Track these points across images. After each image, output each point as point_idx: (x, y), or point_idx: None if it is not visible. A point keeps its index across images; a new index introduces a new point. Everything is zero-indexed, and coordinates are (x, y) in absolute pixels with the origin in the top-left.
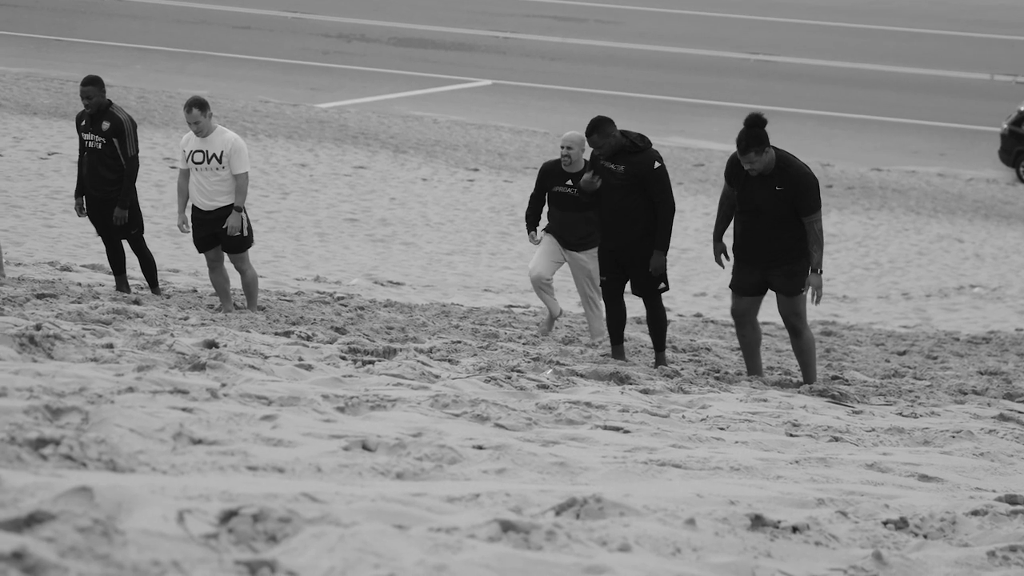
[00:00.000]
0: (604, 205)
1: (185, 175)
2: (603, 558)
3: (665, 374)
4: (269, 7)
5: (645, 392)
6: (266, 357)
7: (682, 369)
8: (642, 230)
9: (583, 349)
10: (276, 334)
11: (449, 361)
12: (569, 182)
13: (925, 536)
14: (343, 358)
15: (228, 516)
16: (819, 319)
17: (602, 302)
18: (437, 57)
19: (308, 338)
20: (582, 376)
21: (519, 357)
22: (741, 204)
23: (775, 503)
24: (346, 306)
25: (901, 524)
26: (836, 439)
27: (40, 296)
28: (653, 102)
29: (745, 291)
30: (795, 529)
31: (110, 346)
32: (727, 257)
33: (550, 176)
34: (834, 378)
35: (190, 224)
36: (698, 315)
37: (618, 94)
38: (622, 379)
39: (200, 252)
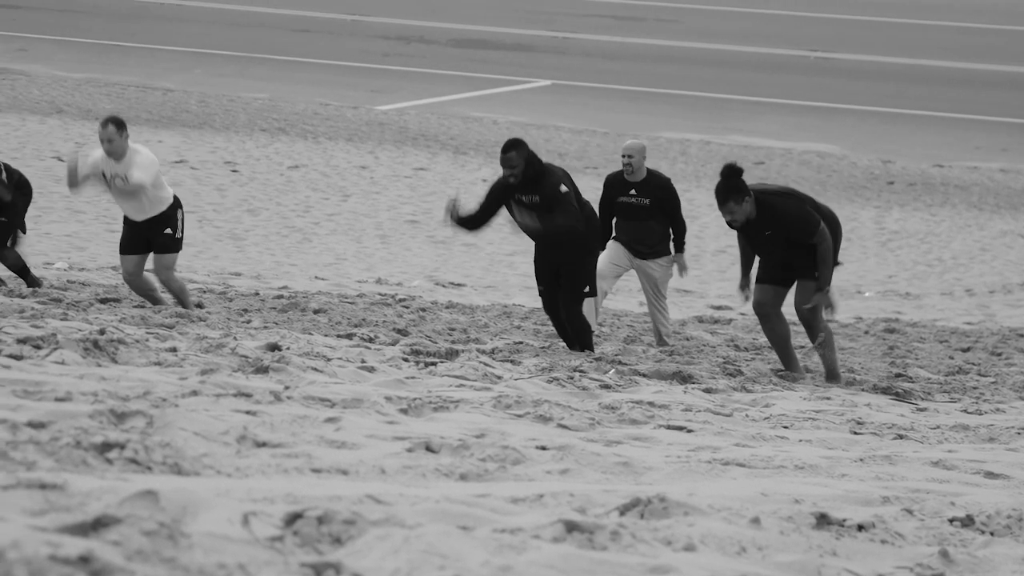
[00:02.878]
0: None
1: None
2: (668, 558)
3: (728, 372)
4: (328, 10)
5: (708, 391)
6: (329, 359)
7: (745, 367)
8: (578, 238)
9: (645, 348)
10: (338, 336)
11: (511, 362)
12: (633, 191)
13: (992, 533)
14: (405, 360)
15: (293, 518)
16: (881, 316)
17: (668, 307)
18: (496, 58)
19: (370, 340)
20: (644, 375)
21: (581, 357)
22: (749, 244)
23: (840, 501)
24: (408, 308)
25: (967, 522)
26: (901, 437)
27: (103, 301)
28: (711, 100)
29: (767, 280)
30: (860, 527)
31: (174, 350)
32: (747, 297)
33: (614, 187)
34: (898, 375)
35: (80, 172)
36: None
37: (676, 93)
38: (685, 378)
39: (121, 253)
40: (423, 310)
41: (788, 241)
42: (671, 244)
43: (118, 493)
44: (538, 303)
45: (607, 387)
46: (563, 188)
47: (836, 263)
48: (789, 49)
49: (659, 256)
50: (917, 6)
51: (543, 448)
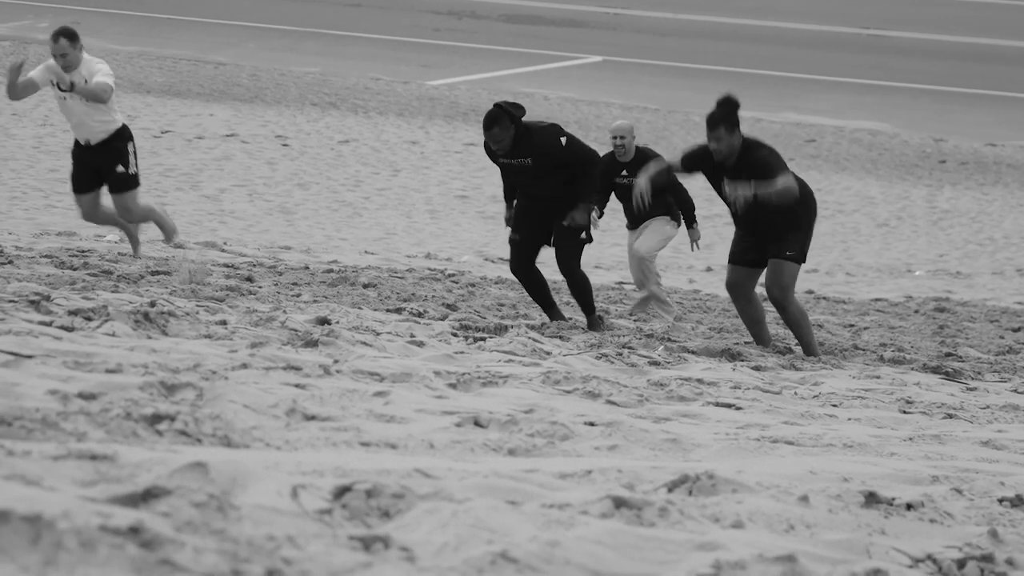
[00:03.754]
0: (525, 192)
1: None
2: (716, 535)
3: (777, 351)
4: None
5: (757, 369)
6: (378, 334)
7: (794, 345)
8: (562, 193)
9: (694, 325)
10: (388, 311)
11: (560, 338)
12: (624, 172)
13: None
14: (454, 335)
15: (342, 492)
16: (932, 295)
17: (657, 278)
18: (547, 33)
19: (420, 315)
20: (693, 353)
21: (630, 334)
22: (728, 205)
23: (889, 480)
24: (457, 283)
25: (1017, 501)
26: (950, 416)
27: (154, 273)
28: (764, 77)
29: (740, 261)
30: (909, 506)
31: (223, 323)
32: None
33: (607, 170)
34: (948, 355)
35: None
36: (810, 291)
37: (729, 70)
38: (734, 356)
39: (75, 193)
40: (472, 285)
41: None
42: (678, 214)
43: (168, 465)
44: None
45: (656, 364)
46: (563, 139)
47: (805, 251)
48: (843, 27)
49: (657, 215)
50: None
51: (591, 424)
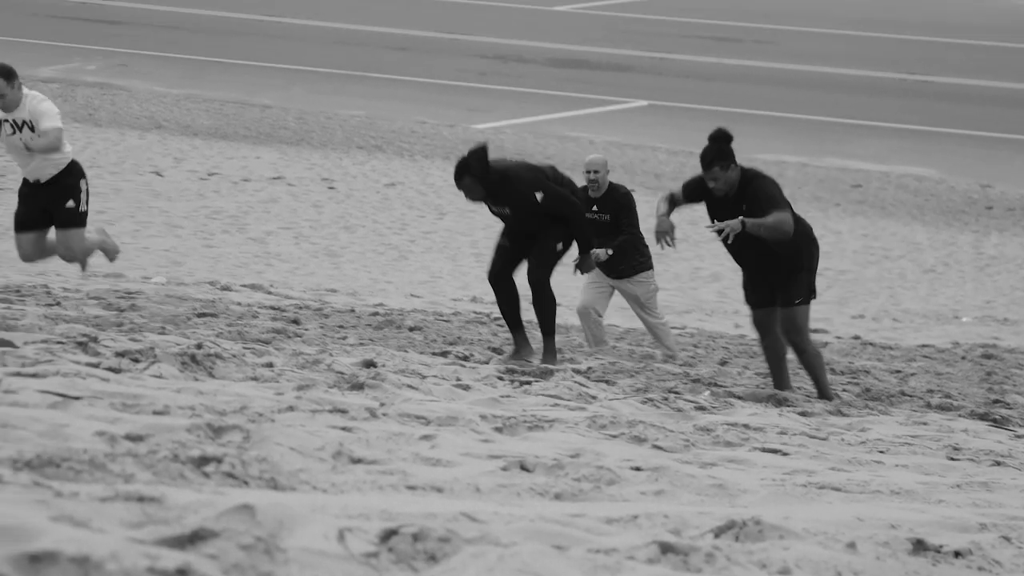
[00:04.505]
0: (510, 229)
1: None
2: None
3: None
4: (427, 28)
5: (803, 414)
6: (424, 377)
7: (841, 391)
8: (550, 223)
9: (740, 371)
10: (433, 354)
11: (606, 382)
12: (595, 207)
13: None
14: (500, 378)
15: (388, 535)
16: (979, 342)
17: (666, 319)
18: (593, 78)
19: (465, 358)
20: (739, 398)
21: (676, 378)
22: (726, 247)
23: (937, 527)
24: (503, 327)
25: None
26: (998, 463)
27: (201, 315)
28: (808, 122)
29: (757, 304)
30: (957, 554)
31: (270, 365)
32: (669, 241)
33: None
34: (995, 401)
35: None
36: (856, 337)
37: (773, 114)
38: (780, 401)
39: (16, 231)
40: None
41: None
42: (648, 258)
43: (215, 507)
44: (632, 322)
45: (702, 409)
46: (538, 195)
47: (814, 288)
48: (887, 72)
49: (636, 272)
50: (1015, 29)
51: (638, 469)
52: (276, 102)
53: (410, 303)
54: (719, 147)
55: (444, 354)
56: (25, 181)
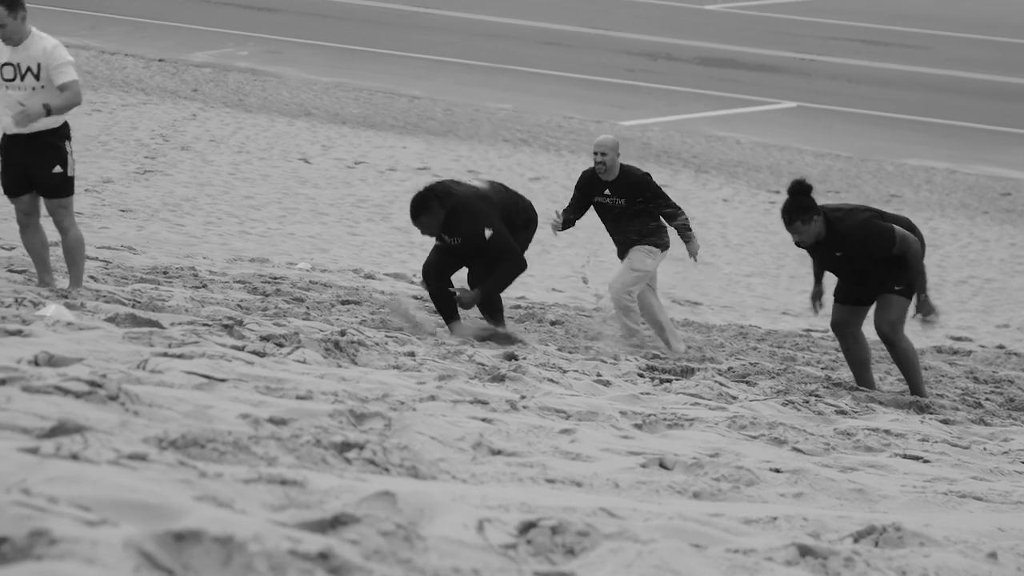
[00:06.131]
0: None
1: None
2: None
3: (967, 404)
4: (575, 23)
5: (945, 422)
6: (564, 371)
7: (984, 400)
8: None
9: (882, 376)
10: (574, 349)
11: (746, 383)
12: (607, 191)
13: None
14: (641, 375)
15: (527, 527)
16: None
17: (636, 304)
18: (741, 77)
19: (607, 354)
20: (881, 403)
21: (817, 382)
22: (820, 264)
23: None
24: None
25: None
26: None
27: (344, 303)
28: (958, 129)
29: (845, 300)
30: None
31: (412, 354)
32: (820, 306)
33: (588, 186)
34: None
35: None
36: (1000, 347)
37: (922, 119)
38: (922, 408)
39: (8, 196)
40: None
41: (862, 260)
42: (664, 239)
43: (356, 493)
44: (775, 323)
45: (842, 413)
46: (487, 232)
47: (913, 287)
48: None
49: (644, 241)
50: None
51: (777, 471)
52: (425, 93)
53: (551, 297)
54: (797, 201)
55: (585, 349)
56: (4, 136)
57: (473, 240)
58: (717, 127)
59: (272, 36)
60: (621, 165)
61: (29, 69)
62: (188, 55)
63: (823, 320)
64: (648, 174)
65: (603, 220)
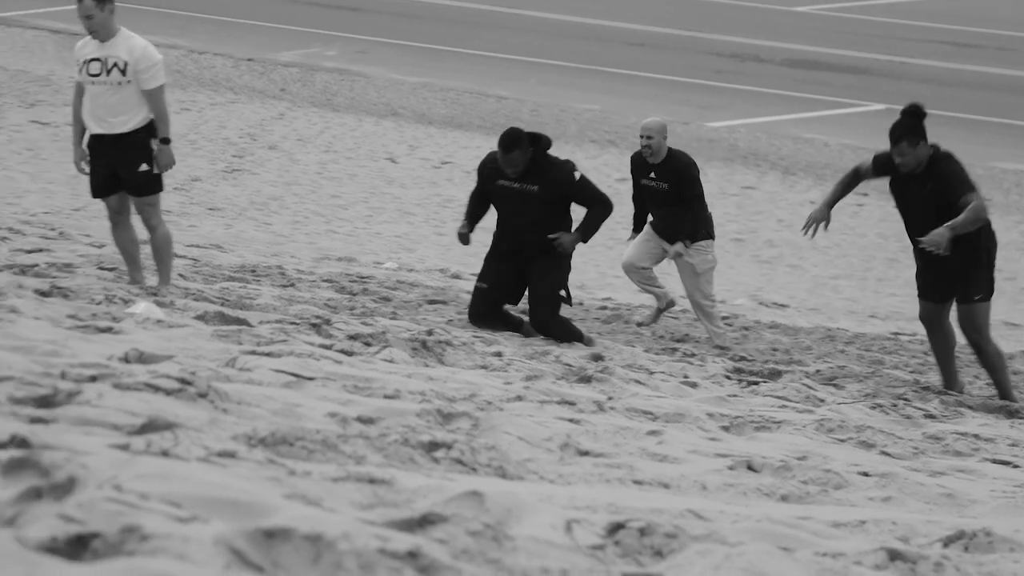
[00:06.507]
0: (510, 221)
1: (81, 92)
2: None
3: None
4: (664, 25)
5: None
6: (651, 373)
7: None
8: (544, 232)
9: (971, 381)
10: (661, 351)
11: (834, 385)
12: (652, 175)
13: None
14: (728, 377)
15: (615, 528)
16: None
17: (718, 303)
18: (830, 80)
19: (693, 356)
20: (970, 408)
21: (905, 385)
22: (904, 218)
23: None
24: (731, 325)
25: None
26: None
27: (431, 302)
28: None
29: (929, 297)
30: None
31: (499, 354)
32: (814, 231)
33: (637, 168)
34: None
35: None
36: None
37: (1013, 123)
38: (1012, 413)
39: (97, 198)
40: (746, 328)
41: (944, 203)
42: (711, 227)
43: (444, 492)
44: (862, 326)
45: (931, 417)
46: (576, 174)
47: (992, 285)
48: None
49: (695, 239)
50: None
51: (865, 474)
52: (511, 93)
53: (638, 299)
54: (910, 122)
55: (672, 351)
56: (91, 137)
57: (558, 187)
58: (804, 129)
59: (359, 36)
60: (669, 149)
61: (116, 65)
62: (276, 54)
63: (912, 323)
64: (694, 162)
65: (649, 205)
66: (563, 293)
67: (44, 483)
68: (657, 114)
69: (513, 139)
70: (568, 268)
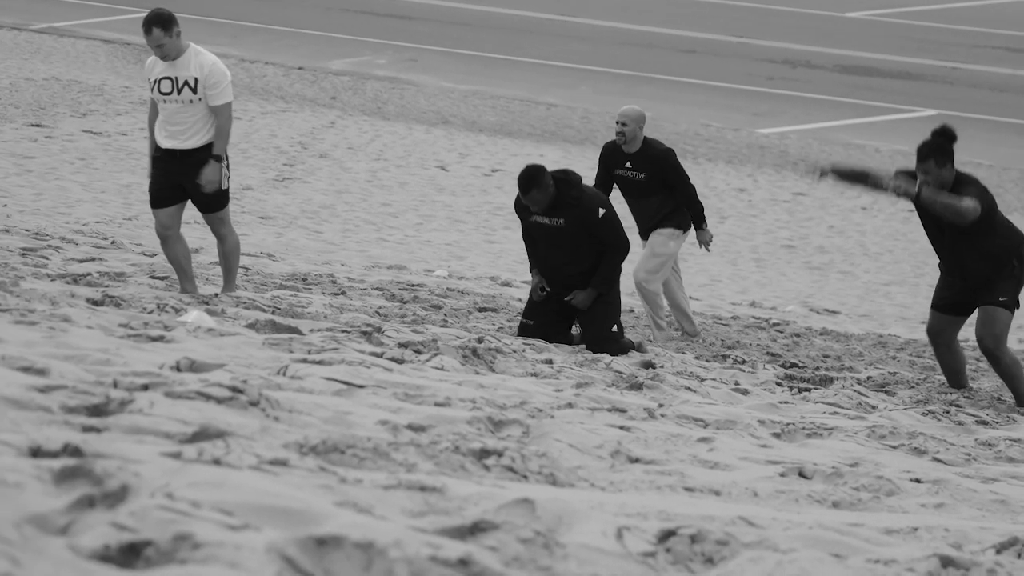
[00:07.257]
0: (548, 255)
1: (155, 107)
2: None
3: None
4: (715, 31)
5: None
6: (702, 380)
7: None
8: (586, 268)
9: (999, 385)
10: (712, 357)
11: (886, 392)
12: (628, 164)
13: None
14: (779, 384)
15: (666, 535)
16: None
17: (658, 285)
18: (882, 85)
19: (743, 363)
20: (1023, 414)
21: (957, 392)
22: (927, 234)
23: None
24: (782, 332)
25: None
26: None
27: (481, 310)
28: None
29: (943, 308)
30: None
31: (549, 362)
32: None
33: (609, 158)
34: None
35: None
36: None
37: None
38: None
39: (153, 208)
40: (797, 335)
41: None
42: (686, 218)
43: (495, 499)
44: (913, 333)
45: (983, 423)
46: (601, 211)
47: (1018, 298)
48: None
49: (664, 225)
50: None
51: (918, 481)
52: (562, 101)
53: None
54: (939, 142)
55: (723, 358)
56: (160, 150)
57: (582, 221)
58: (856, 135)
59: (410, 44)
60: (644, 138)
61: (187, 83)
62: (327, 63)
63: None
64: (671, 149)
65: (625, 196)
66: (615, 329)
67: (97, 492)
68: (670, 110)
69: (529, 179)
70: (618, 303)
